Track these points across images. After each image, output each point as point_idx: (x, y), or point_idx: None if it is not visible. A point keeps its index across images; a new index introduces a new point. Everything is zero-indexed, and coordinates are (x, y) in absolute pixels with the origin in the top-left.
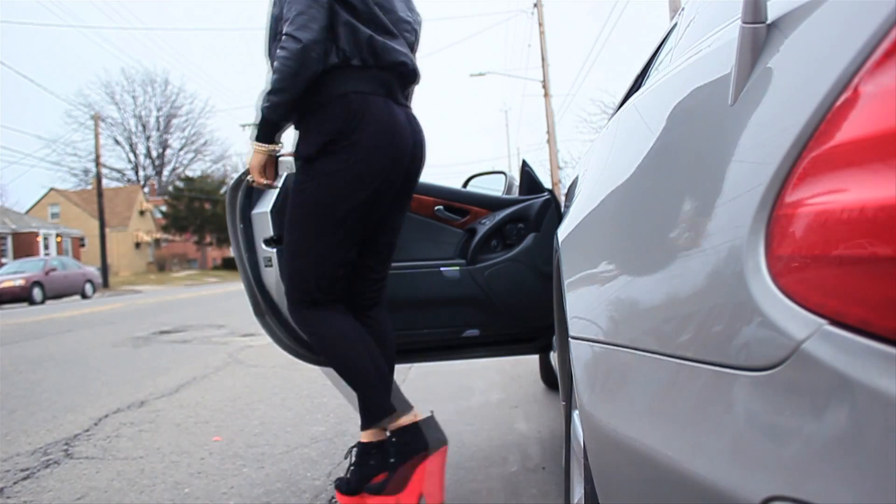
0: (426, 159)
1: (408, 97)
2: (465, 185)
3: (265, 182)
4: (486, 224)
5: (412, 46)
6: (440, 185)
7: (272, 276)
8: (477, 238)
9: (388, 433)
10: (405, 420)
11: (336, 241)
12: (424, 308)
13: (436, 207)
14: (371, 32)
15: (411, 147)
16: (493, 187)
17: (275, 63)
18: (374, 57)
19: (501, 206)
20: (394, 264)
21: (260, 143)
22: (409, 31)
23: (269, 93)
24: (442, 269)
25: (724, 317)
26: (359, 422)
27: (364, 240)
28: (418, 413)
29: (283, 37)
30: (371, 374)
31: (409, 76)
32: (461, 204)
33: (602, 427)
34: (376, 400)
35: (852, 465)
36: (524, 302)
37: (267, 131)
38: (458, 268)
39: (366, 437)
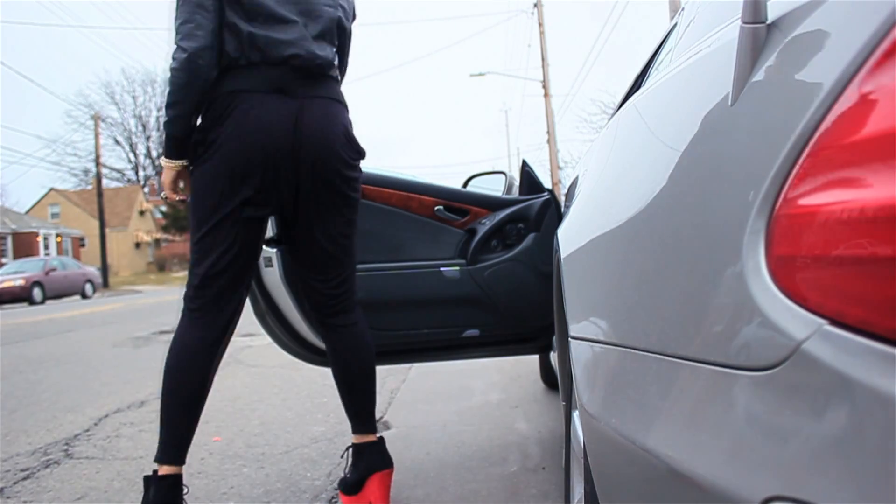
0: (343, 155)
1: (323, 87)
2: (465, 185)
3: (177, 198)
4: (487, 224)
5: (336, 22)
6: (440, 184)
7: (272, 277)
8: (477, 238)
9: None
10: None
11: (209, 242)
12: (425, 308)
13: (436, 207)
14: (252, 29)
15: (292, 143)
16: (492, 187)
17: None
18: (260, 53)
19: (501, 206)
20: (394, 264)
21: (168, 160)
22: (330, 5)
23: (166, 107)
24: (442, 269)
25: (725, 317)
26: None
27: (299, 249)
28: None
29: (173, 49)
30: (169, 408)
31: (304, 69)
32: (461, 204)
33: (602, 427)
34: (166, 434)
35: (852, 465)
36: (524, 302)
37: (173, 146)
38: (458, 268)
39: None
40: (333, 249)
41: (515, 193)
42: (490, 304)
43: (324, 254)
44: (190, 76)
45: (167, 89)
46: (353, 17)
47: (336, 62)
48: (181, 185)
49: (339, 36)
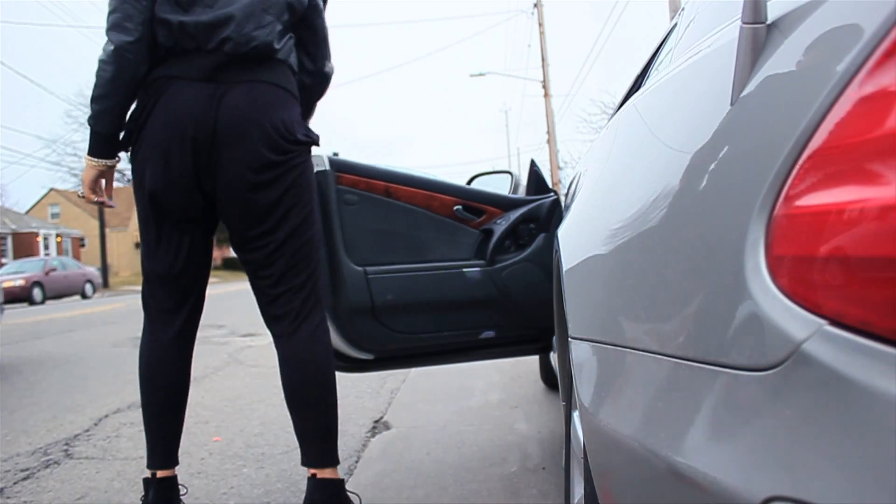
0: (262, 144)
1: (259, 70)
2: (469, 183)
3: (95, 199)
4: (502, 224)
5: (290, 16)
6: (459, 184)
7: None
8: (495, 238)
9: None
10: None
11: (149, 242)
12: (449, 310)
13: (455, 207)
14: (182, 18)
15: (211, 130)
16: (497, 186)
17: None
18: (193, 41)
19: (514, 206)
20: (421, 265)
21: (92, 157)
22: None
23: (91, 100)
24: (464, 269)
25: (725, 317)
26: (359, 421)
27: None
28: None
29: (105, 41)
30: (147, 413)
31: (239, 54)
32: (479, 204)
33: (602, 427)
34: (151, 441)
35: (853, 465)
36: (536, 302)
37: (96, 143)
38: (478, 268)
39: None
40: (276, 247)
41: (522, 193)
42: (505, 304)
43: (257, 251)
44: (116, 70)
45: (94, 82)
46: None
47: (282, 43)
48: (103, 185)
49: (291, 13)
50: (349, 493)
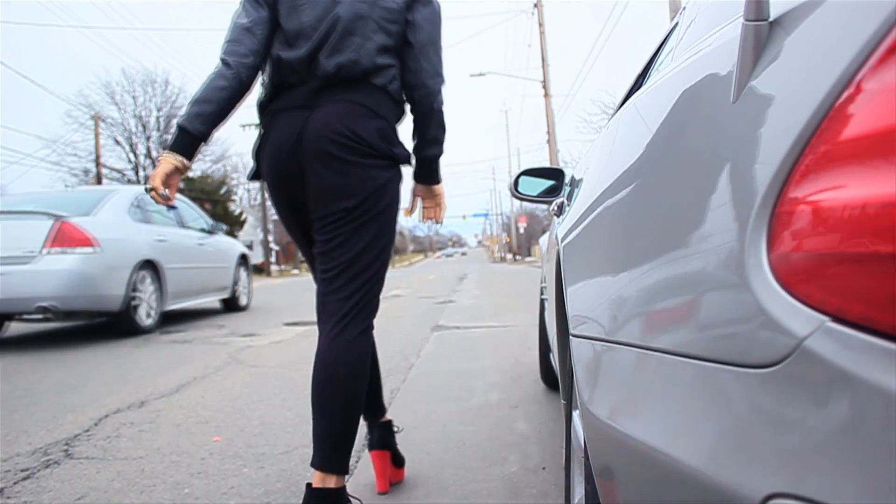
0: (333, 146)
1: (349, 92)
2: (517, 178)
3: (162, 191)
4: None
5: (390, 37)
6: None
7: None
8: None
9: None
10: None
11: (287, 226)
12: None
13: None
14: (282, 54)
15: (295, 146)
16: (541, 185)
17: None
18: (296, 76)
19: None
20: None
21: (170, 152)
22: (366, 19)
23: (192, 101)
24: None
25: (726, 314)
26: (361, 422)
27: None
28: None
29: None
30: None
31: (331, 78)
32: None
33: (603, 426)
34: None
35: (854, 461)
36: None
37: (182, 140)
38: None
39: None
40: (342, 259)
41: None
42: None
43: (333, 260)
44: (228, 85)
45: (202, 87)
46: (424, 3)
47: (375, 65)
48: (171, 183)
49: (385, 34)
50: (351, 498)
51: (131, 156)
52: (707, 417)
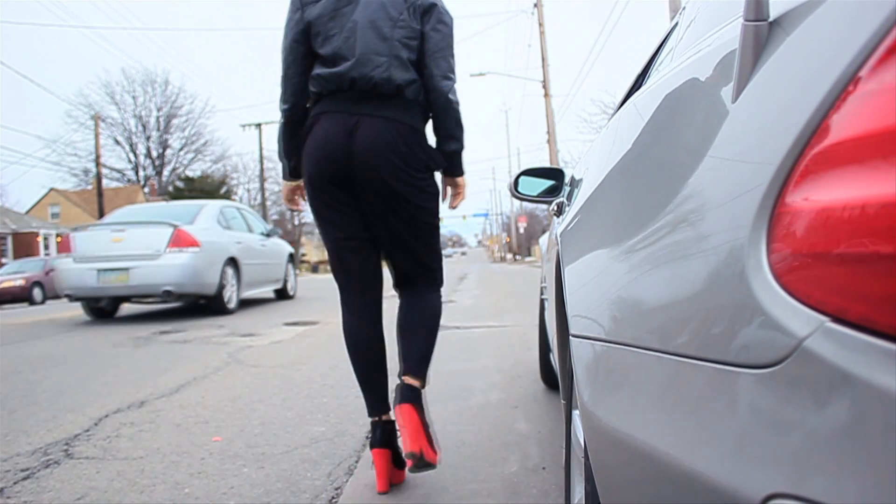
0: (393, 163)
1: (387, 107)
2: (517, 178)
3: (295, 208)
4: None
5: (412, 54)
6: None
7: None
8: None
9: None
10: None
11: (323, 232)
12: None
13: None
14: (321, 72)
15: (345, 153)
16: (542, 185)
17: None
18: (333, 85)
19: None
20: None
21: (284, 180)
22: (389, 40)
23: (277, 140)
24: None
25: (726, 314)
26: (359, 421)
27: (368, 240)
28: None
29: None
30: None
31: (364, 90)
32: None
33: (603, 426)
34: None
35: (854, 462)
36: None
37: (284, 170)
38: None
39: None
40: (404, 241)
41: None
42: None
43: (397, 243)
44: (282, 124)
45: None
46: (437, 16)
47: (404, 81)
48: (296, 198)
49: (408, 49)
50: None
51: (131, 156)
52: (707, 418)
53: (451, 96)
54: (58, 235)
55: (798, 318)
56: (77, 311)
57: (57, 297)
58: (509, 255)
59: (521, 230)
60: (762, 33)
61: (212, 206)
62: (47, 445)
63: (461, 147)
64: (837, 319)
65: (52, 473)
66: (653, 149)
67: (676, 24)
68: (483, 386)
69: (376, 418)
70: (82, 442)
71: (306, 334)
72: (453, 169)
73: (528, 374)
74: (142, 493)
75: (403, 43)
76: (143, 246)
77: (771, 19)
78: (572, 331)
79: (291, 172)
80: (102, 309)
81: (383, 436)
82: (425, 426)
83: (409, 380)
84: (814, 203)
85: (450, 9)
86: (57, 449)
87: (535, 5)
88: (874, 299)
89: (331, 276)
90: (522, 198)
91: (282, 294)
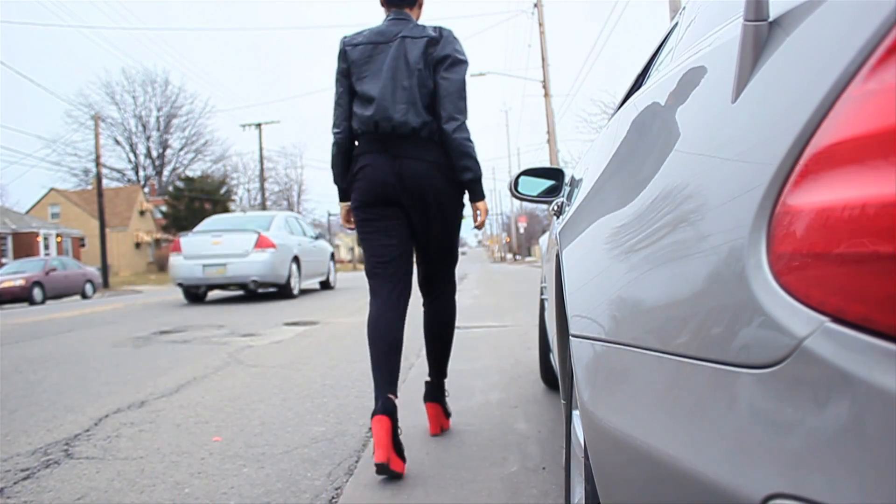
0: (438, 191)
1: (414, 148)
2: (517, 178)
3: (350, 226)
4: None
5: (417, 89)
6: None
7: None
8: None
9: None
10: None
11: (365, 246)
12: None
13: None
14: (357, 111)
15: (395, 181)
16: (541, 184)
17: None
18: (364, 126)
19: None
20: None
21: (340, 202)
22: (409, 75)
23: (331, 167)
24: None
25: (726, 315)
26: (359, 421)
27: (405, 244)
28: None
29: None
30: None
31: (391, 133)
32: None
33: (603, 426)
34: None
35: (854, 462)
36: None
37: (339, 193)
38: None
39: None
40: (434, 253)
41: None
42: None
43: (428, 253)
44: (334, 150)
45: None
46: (448, 64)
47: (421, 124)
48: (351, 217)
49: (424, 96)
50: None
51: (131, 156)
52: (707, 418)
53: (455, 134)
54: (58, 235)
55: (798, 319)
56: (78, 310)
57: (57, 296)
58: (509, 255)
59: (521, 230)
60: (762, 33)
61: (280, 216)
62: (47, 445)
63: (475, 176)
64: (837, 319)
65: (52, 473)
66: (652, 149)
67: (676, 24)
68: (483, 386)
69: (385, 396)
70: (82, 442)
71: (306, 334)
72: (472, 195)
73: (528, 374)
74: (142, 493)
75: (418, 90)
76: (236, 247)
77: (771, 19)
78: (572, 331)
79: (343, 196)
80: (197, 294)
81: (385, 406)
82: (446, 414)
83: (434, 379)
84: (814, 203)
85: (451, 9)
86: (57, 449)
87: (535, 5)
88: (874, 299)
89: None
90: (522, 198)
91: (325, 285)
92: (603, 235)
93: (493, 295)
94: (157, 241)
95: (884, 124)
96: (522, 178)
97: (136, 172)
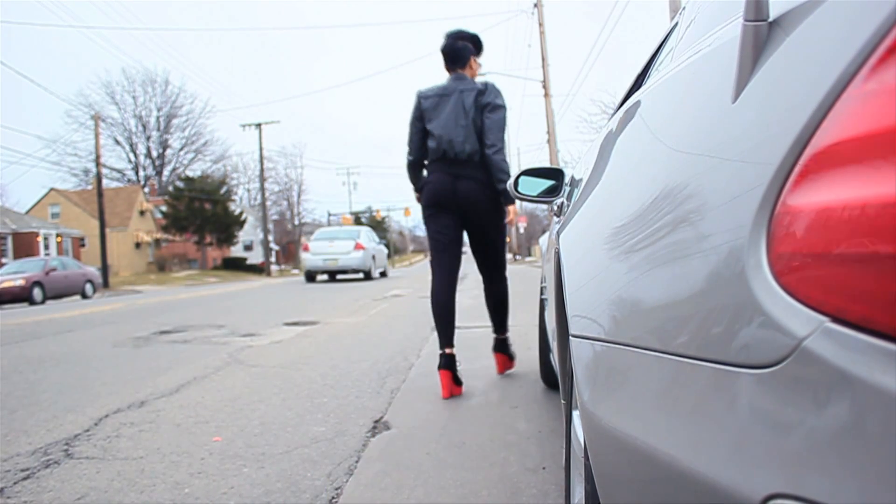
0: (480, 203)
1: (468, 168)
2: (518, 178)
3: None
4: None
5: (471, 129)
6: None
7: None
8: None
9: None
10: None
11: (429, 235)
12: None
13: None
14: (430, 144)
15: (453, 195)
16: (541, 184)
17: None
18: (433, 153)
19: None
20: None
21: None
22: (465, 118)
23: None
24: None
25: (726, 315)
26: (358, 421)
27: (456, 238)
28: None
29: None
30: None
31: (451, 158)
32: None
33: (603, 426)
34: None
35: (854, 462)
36: None
37: (414, 190)
38: None
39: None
40: (484, 247)
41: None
42: None
43: (480, 248)
44: (409, 170)
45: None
46: (490, 108)
47: (474, 150)
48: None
49: (476, 129)
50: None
51: (131, 156)
52: (707, 418)
53: (495, 156)
54: (58, 235)
55: (798, 319)
56: (78, 310)
57: (57, 296)
58: (509, 255)
59: (521, 230)
60: (762, 33)
61: (364, 229)
62: (47, 445)
63: (506, 186)
64: (837, 319)
65: (52, 473)
66: (652, 149)
67: (676, 24)
68: (483, 386)
69: (443, 351)
70: (82, 442)
71: (306, 334)
72: (505, 200)
73: (528, 374)
74: (142, 493)
75: (471, 127)
76: (343, 248)
77: (771, 19)
78: (572, 331)
79: (418, 196)
80: (314, 279)
81: (447, 362)
82: (510, 359)
83: (498, 336)
84: (814, 203)
85: (451, 9)
86: (57, 449)
87: (535, 5)
88: (874, 299)
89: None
90: (522, 198)
91: (383, 274)
92: (603, 235)
93: None
94: (157, 241)
95: (884, 124)
96: (522, 178)
97: (136, 172)
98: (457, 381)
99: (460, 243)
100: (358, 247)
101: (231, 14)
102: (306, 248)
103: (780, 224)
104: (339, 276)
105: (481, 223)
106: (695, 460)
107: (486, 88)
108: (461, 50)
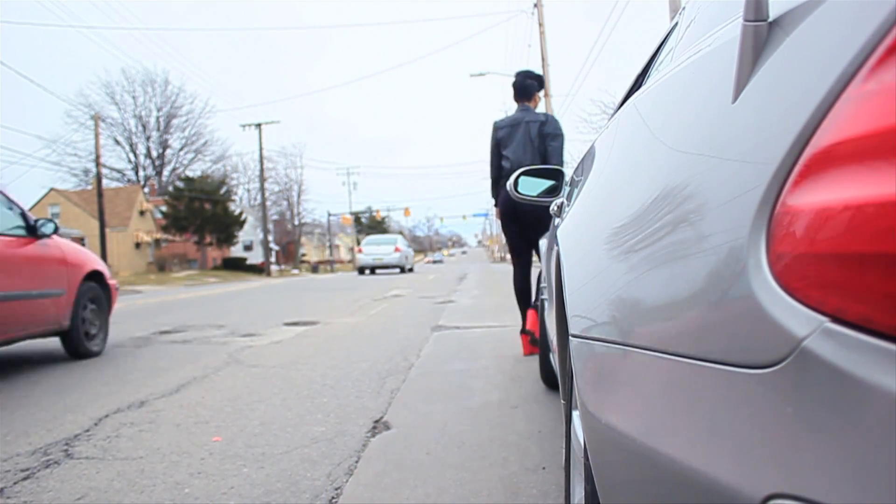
0: (533, 212)
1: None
2: (517, 178)
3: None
4: None
5: (537, 154)
6: None
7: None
8: None
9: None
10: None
11: (506, 240)
12: None
13: None
14: (504, 165)
15: (514, 210)
16: (542, 184)
17: None
18: (506, 172)
19: None
20: None
21: (494, 207)
22: (533, 140)
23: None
24: None
25: (726, 315)
26: (358, 421)
27: (524, 241)
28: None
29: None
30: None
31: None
32: None
33: (603, 426)
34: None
35: (853, 462)
36: None
37: (494, 199)
38: None
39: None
40: (533, 245)
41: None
42: None
43: (529, 242)
44: (492, 184)
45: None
46: (552, 137)
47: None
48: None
49: (539, 159)
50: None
51: (131, 156)
52: (707, 418)
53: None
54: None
55: (798, 319)
56: None
57: None
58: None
59: None
60: (762, 33)
61: (399, 237)
62: (47, 445)
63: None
64: (837, 319)
65: (52, 473)
66: (652, 149)
67: (676, 24)
68: (483, 386)
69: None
70: (82, 442)
71: (306, 334)
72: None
73: (528, 374)
74: (142, 493)
75: (536, 153)
76: (385, 252)
77: (771, 19)
78: (572, 331)
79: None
80: (364, 272)
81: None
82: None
83: (537, 302)
84: (813, 203)
85: (451, 9)
86: (57, 449)
87: (535, 5)
88: (874, 299)
89: (330, 274)
90: (522, 198)
91: (411, 269)
92: (603, 235)
93: (493, 295)
94: (157, 242)
95: (883, 124)
96: (522, 178)
97: (136, 172)
98: (533, 342)
99: (528, 243)
100: (397, 249)
101: (231, 14)
102: (360, 251)
103: (779, 224)
104: (378, 271)
105: (535, 231)
106: (695, 460)
107: (547, 120)
108: (529, 87)
